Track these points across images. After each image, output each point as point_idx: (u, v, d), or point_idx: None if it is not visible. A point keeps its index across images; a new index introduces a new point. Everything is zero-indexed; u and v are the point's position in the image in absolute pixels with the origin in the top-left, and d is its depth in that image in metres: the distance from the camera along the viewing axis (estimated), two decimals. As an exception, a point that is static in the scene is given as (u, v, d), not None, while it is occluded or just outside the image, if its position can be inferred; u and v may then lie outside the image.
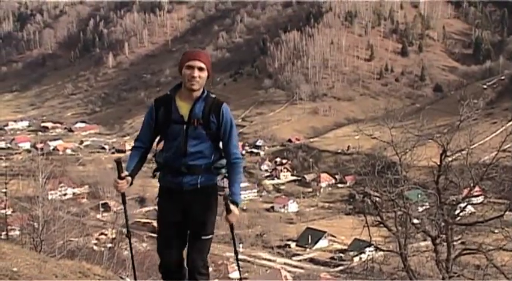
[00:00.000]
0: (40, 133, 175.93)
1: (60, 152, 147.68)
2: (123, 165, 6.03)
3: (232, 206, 5.97)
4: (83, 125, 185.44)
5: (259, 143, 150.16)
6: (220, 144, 6.12)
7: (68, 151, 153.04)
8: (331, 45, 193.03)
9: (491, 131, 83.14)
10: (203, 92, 6.01)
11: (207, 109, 5.95)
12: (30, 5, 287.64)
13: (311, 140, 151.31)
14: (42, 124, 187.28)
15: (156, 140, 6.20)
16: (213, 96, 6.07)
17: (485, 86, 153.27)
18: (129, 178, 5.99)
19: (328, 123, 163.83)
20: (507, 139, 16.51)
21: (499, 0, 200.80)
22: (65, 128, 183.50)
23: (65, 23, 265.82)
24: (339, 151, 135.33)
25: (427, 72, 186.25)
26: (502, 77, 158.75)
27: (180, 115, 5.93)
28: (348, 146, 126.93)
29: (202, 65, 5.88)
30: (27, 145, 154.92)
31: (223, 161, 6.12)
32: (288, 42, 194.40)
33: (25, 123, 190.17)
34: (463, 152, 16.33)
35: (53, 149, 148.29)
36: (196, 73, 5.84)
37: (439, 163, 16.03)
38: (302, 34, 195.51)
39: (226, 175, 6.15)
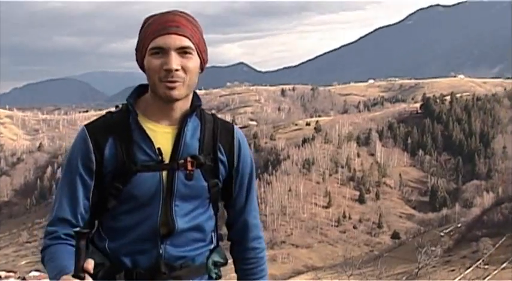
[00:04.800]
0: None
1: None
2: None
3: None
4: (37, 273, 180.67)
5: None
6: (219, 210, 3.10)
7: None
8: (289, 192, 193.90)
9: (449, 278, 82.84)
10: (194, 99, 2.89)
11: (209, 136, 2.89)
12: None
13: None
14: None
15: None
16: (210, 112, 3.03)
17: (442, 234, 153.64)
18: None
19: (286, 270, 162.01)
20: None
21: (453, 149, 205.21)
22: (19, 277, 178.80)
23: (22, 171, 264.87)
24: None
25: (384, 220, 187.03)
26: (459, 225, 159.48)
27: (155, 151, 2.76)
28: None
29: (188, 43, 2.69)
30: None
31: (221, 253, 3.01)
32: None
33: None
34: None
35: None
36: (176, 62, 2.67)
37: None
38: (260, 181, 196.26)
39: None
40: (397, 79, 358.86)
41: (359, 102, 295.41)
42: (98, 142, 2.76)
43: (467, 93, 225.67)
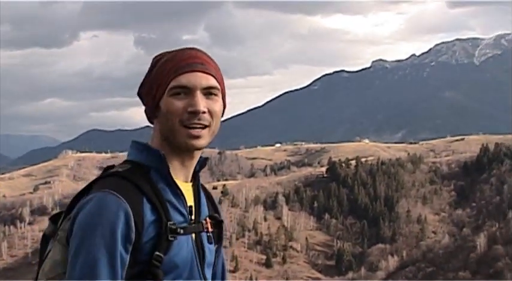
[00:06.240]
0: None
1: None
2: None
3: None
4: None
5: None
6: None
7: None
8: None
9: None
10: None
11: (208, 197, 2.43)
12: None
13: None
14: None
15: None
16: None
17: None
18: None
19: None
20: None
21: (358, 213, 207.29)
22: None
23: None
24: None
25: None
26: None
27: (187, 210, 2.21)
28: None
29: (215, 83, 2.18)
30: None
31: None
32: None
33: None
34: None
35: None
36: (203, 103, 2.14)
37: None
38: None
39: None
40: (303, 143, 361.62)
41: (266, 166, 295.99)
42: (135, 207, 2.05)
43: (372, 158, 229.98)
